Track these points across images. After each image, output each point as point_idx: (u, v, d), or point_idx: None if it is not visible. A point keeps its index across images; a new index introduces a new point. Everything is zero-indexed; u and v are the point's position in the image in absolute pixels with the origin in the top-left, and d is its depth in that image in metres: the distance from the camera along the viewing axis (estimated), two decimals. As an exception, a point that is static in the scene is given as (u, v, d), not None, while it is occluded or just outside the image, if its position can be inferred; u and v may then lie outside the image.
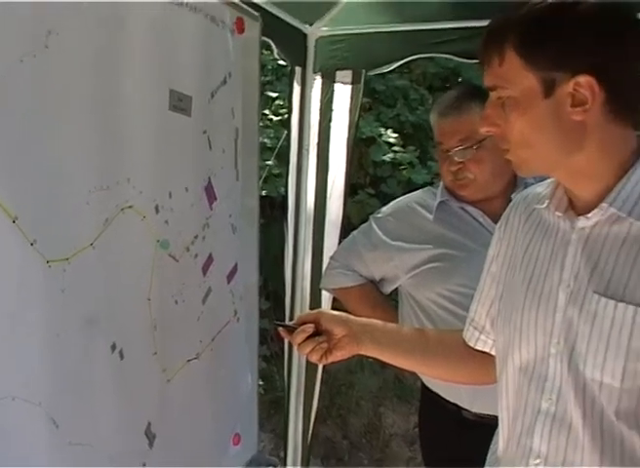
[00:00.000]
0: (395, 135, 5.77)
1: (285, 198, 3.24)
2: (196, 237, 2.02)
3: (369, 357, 1.88)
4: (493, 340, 1.77)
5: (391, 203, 2.72)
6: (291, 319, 3.20)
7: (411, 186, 5.26)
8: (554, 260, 1.54)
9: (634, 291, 1.40)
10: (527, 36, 1.42)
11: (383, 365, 5.09)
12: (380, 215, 2.67)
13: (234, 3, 2.23)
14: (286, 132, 3.28)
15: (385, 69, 3.25)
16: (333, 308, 3.13)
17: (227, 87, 2.15)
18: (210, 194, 2.09)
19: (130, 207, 1.74)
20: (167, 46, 1.86)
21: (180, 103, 1.91)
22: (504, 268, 1.69)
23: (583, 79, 1.40)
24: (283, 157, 3.39)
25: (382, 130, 5.77)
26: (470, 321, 1.83)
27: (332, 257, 2.80)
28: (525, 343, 1.56)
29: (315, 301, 3.27)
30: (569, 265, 1.50)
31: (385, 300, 2.70)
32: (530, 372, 1.55)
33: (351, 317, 1.85)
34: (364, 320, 1.87)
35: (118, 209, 1.71)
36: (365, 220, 2.74)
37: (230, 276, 2.25)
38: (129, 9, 1.72)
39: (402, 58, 3.16)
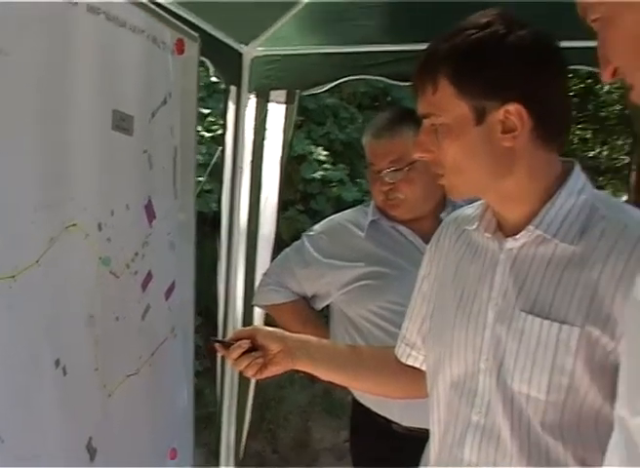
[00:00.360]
0: (325, 152, 5.84)
1: (218, 215, 3.28)
2: (136, 254, 2.05)
3: (298, 372, 1.91)
4: (423, 356, 1.82)
5: (324, 221, 2.78)
6: (224, 335, 3.23)
7: (340, 203, 5.34)
8: (483, 280, 1.59)
9: (559, 309, 1.47)
10: (460, 66, 1.48)
11: (313, 380, 5.16)
12: (312, 233, 2.72)
13: (175, 24, 2.27)
14: (220, 149, 3.32)
15: (319, 90, 3.33)
16: (265, 324, 3.18)
17: (167, 107, 2.19)
18: (149, 212, 2.12)
19: (74, 225, 1.77)
20: (111, 67, 1.89)
21: (122, 123, 1.95)
22: (435, 287, 1.74)
23: (513, 107, 1.46)
24: (216, 174, 3.43)
25: (313, 147, 5.84)
26: (402, 338, 1.88)
27: (264, 274, 2.84)
28: (455, 359, 1.61)
29: (247, 317, 3.30)
30: (497, 284, 1.56)
31: (317, 317, 2.75)
32: (460, 387, 1.60)
33: (287, 333, 1.88)
34: (299, 336, 1.91)
35: (63, 226, 1.73)
36: (295, 236, 2.79)
37: (168, 293, 2.28)
38: (75, 30, 1.74)
39: (336, 80, 3.24)
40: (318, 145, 5.85)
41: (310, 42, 3.17)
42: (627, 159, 11.91)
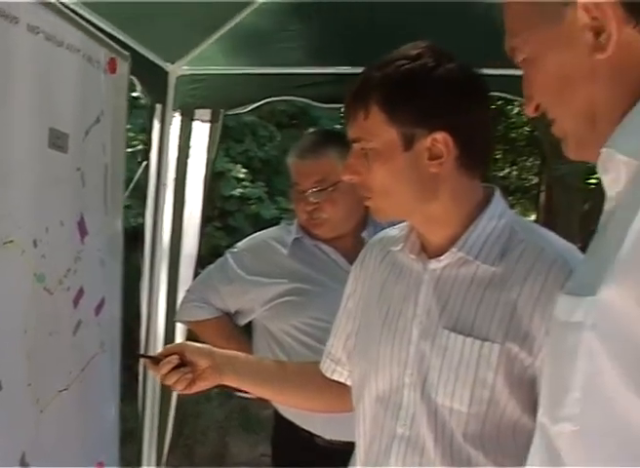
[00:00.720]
0: (244, 170, 5.88)
1: (139, 230, 3.29)
2: (69, 270, 2.07)
3: (217, 387, 1.96)
4: (348, 372, 1.88)
5: (247, 238, 2.83)
6: (146, 351, 3.24)
7: (258, 220, 5.39)
8: (408, 298, 1.67)
9: (480, 327, 1.56)
10: (391, 95, 1.56)
11: (230, 395, 5.18)
12: (236, 250, 2.77)
13: (108, 43, 2.31)
14: (144, 165, 3.33)
15: (243, 110, 3.39)
16: (187, 340, 3.21)
17: (100, 125, 2.22)
18: (82, 229, 2.15)
19: (11, 241, 1.78)
20: (49, 85, 1.92)
21: (57, 141, 1.97)
22: (361, 305, 1.81)
23: (440, 135, 1.55)
24: (136, 190, 3.44)
25: (232, 165, 5.88)
26: (327, 353, 1.94)
27: (187, 291, 2.87)
28: (381, 374, 1.68)
29: (169, 334, 3.32)
30: (421, 303, 1.64)
31: (240, 333, 2.79)
32: (386, 401, 1.67)
33: (214, 349, 1.92)
34: (227, 352, 1.96)
35: (0, 243, 1.75)
36: (212, 253, 2.84)
37: (98, 309, 2.30)
38: (15, 49, 1.77)
39: (260, 100, 3.30)
40: (237, 163, 5.89)
41: (236, 63, 3.22)
42: (536, 179, 12.33)
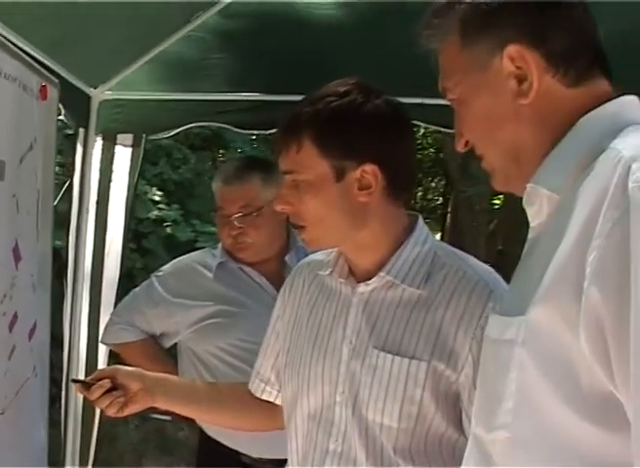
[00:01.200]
0: (160, 192, 5.89)
1: (65, 255, 3.29)
2: (5, 296, 2.09)
3: None
4: (277, 391, 1.96)
5: (172, 262, 2.89)
6: (67, 375, 3.24)
7: (173, 243, 5.40)
8: (337, 320, 1.77)
9: (408, 346, 1.66)
10: (322, 129, 1.65)
11: (146, 417, 5.16)
12: (161, 274, 2.82)
13: (39, 70, 2.33)
14: (66, 188, 3.33)
15: (165, 134, 3.45)
16: (108, 364, 3.23)
17: (33, 152, 2.25)
18: (16, 254, 2.17)
19: (-49, 268, 1.81)
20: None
21: (-5, 169, 2.00)
22: (290, 326, 1.89)
23: (369, 167, 1.66)
24: (58, 214, 3.43)
25: (147, 187, 5.88)
26: (256, 374, 2.01)
27: (113, 314, 2.91)
28: (312, 393, 1.76)
29: (91, 357, 3.32)
30: (351, 324, 1.74)
31: (165, 355, 2.84)
32: (318, 418, 1.75)
33: (145, 372, 1.97)
34: (157, 375, 2.01)
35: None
36: (126, 274, 2.88)
37: (31, 333, 2.33)
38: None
39: (182, 125, 3.36)
40: (152, 185, 5.90)
41: (159, 88, 3.27)
42: (441, 200, 12.66)
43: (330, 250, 1.85)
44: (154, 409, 2.09)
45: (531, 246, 1.24)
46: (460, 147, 1.32)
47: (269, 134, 3.42)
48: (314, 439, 1.76)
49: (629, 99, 1.21)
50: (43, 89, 2.34)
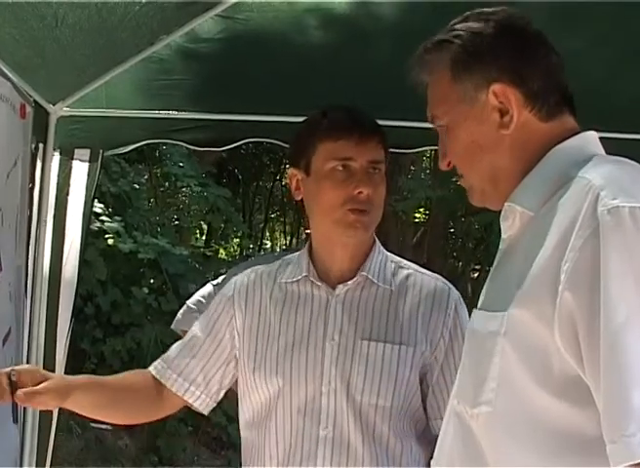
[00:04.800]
0: (101, 205, 5.93)
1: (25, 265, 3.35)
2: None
3: (71, 420, 2.08)
4: (201, 392, 2.04)
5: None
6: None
7: (115, 254, 5.47)
8: (316, 321, 1.96)
9: (393, 334, 1.92)
10: None
11: (85, 427, 5.20)
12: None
13: (20, 90, 2.44)
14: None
15: (122, 150, 3.54)
16: (66, 365, 3.30)
17: (16, 168, 2.36)
18: (-2, 266, 2.28)
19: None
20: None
21: (-13, 185, 2.11)
22: (254, 334, 2.02)
23: None
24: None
25: (89, 200, 5.90)
26: (178, 371, 2.04)
27: (190, 301, 3.11)
28: (295, 389, 1.94)
29: (49, 357, 3.37)
30: (332, 322, 1.95)
31: None
32: (303, 411, 1.93)
33: (60, 376, 2.10)
34: (70, 379, 2.06)
35: None
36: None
37: (5, 339, 2.42)
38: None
39: (138, 142, 3.47)
40: (93, 198, 5.90)
41: (117, 106, 3.36)
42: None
43: (281, 260, 2.09)
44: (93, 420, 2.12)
45: (504, 254, 1.45)
46: (443, 167, 1.50)
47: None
48: (302, 431, 1.92)
49: (590, 134, 1.42)
50: (22, 107, 2.45)
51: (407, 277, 2.00)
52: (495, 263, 1.47)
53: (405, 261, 2.06)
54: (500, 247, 1.47)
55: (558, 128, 1.40)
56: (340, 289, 1.96)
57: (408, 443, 1.94)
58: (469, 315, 1.56)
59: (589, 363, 1.18)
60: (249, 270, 2.12)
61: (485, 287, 1.48)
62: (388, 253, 2.07)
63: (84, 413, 2.10)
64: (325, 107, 2.01)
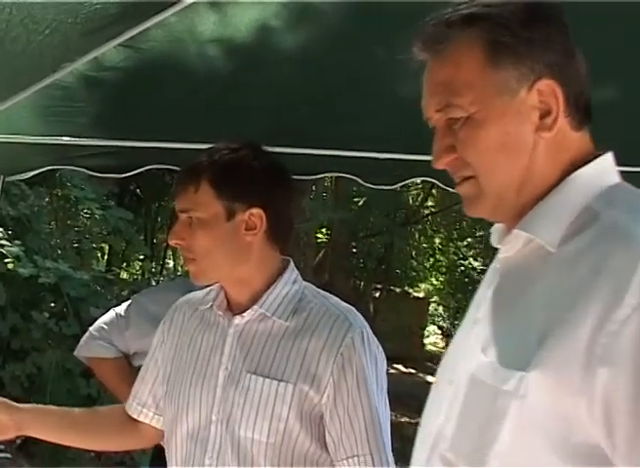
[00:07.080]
0: (0, 228, 5.84)
1: None
2: None
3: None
4: (153, 413, 2.19)
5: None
6: None
7: (14, 279, 5.39)
8: (215, 349, 2.02)
9: (277, 370, 1.94)
10: (219, 175, 1.95)
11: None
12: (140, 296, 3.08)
13: None
14: None
15: (25, 176, 3.54)
16: None
17: None
18: None
19: None
20: None
21: None
22: (171, 356, 2.12)
23: (256, 211, 1.96)
24: None
25: (-14, 224, 5.82)
26: (134, 397, 2.22)
27: (91, 329, 3.07)
28: (191, 414, 2.00)
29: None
30: (227, 352, 2.00)
31: (134, 375, 3.00)
32: (195, 437, 1.99)
33: (12, 403, 2.10)
34: (31, 407, 2.19)
35: None
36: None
37: None
38: None
39: (40, 168, 3.46)
40: (-8, 222, 5.85)
41: (18, 131, 3.35)
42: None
43: (209, 288, 2.12)
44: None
45: (507, 281, 1.31)
46: (439, 166, 1.31)
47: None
48: (192, 457, 1.99)
49: (610, 158, 1.28)
50: None
51: (309, 313, 1.99)
52: (494, 288, 1.33)
53: (320, 294, 2.04)
54: (493, 264, 1.36)
55: (584, 139, 1.29)
56: (239, 320, 2.01)
57: None
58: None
59: (631, 444, 1.06)
60: (187, 295, 2.20)
61: (489, 321, 1.30)
62: (306, 284, 2.08)
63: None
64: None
